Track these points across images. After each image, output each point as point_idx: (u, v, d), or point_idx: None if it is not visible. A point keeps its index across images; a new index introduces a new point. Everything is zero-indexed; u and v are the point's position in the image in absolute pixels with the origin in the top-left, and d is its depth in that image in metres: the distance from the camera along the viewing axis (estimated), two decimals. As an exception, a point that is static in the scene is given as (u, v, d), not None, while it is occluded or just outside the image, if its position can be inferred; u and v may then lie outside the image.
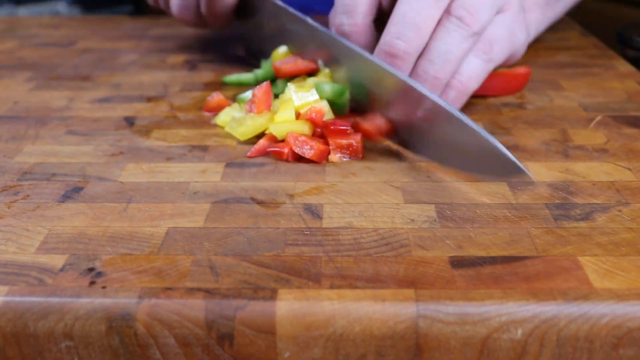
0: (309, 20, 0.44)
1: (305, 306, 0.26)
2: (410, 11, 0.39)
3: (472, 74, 0.41)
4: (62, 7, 0.80)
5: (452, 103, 0.41)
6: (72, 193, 0.34)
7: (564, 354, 0.26)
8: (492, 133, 0.40)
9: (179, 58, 0.57)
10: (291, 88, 0.40)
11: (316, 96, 0.39)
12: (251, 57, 0.55)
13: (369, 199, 0.33)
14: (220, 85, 0.50)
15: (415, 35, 0.39)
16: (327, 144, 0.38)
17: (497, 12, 0.42)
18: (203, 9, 0.51)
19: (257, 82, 0.47)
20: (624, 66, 0.53)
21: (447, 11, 0.40)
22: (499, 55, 0.42)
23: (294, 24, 0.46)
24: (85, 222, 0.31)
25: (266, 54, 0.49)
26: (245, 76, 0.50)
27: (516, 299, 0.26)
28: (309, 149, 0.37)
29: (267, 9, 0.49)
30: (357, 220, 0.31)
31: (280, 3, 0.48)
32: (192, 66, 0.55)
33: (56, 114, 0.45)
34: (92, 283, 0.27)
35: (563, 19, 0.66)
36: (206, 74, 0.53)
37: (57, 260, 0.29)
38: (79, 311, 0.26)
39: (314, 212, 0.32)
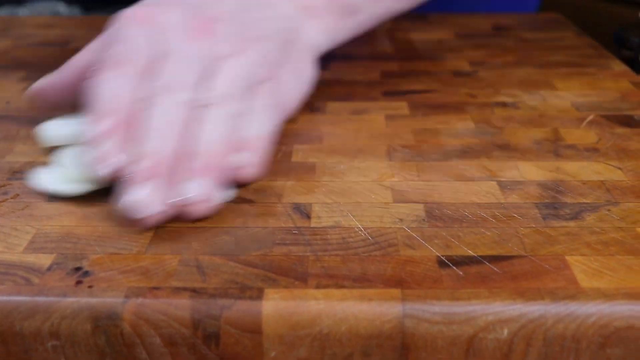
0: None
1: (292, 306, 0.26)
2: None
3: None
4: (62, 8, 0.80)
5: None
6: (61, 192, 0.34)
7: (551, 354, 0.26)
8: (484, 132, 0.40)
9: (173, 58, 0.57)
10: None
11: None
12: None
13: (358, 199, 0.33)
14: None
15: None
16: None
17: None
18: None
19: None
20: (619, 66, 0.53)
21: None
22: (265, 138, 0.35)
23: None
24: (74, 222, 0.31)
25: None
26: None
27: (503, 298, 0.26)
28: None
29: None
30: (345, 220, 0.31)
31: None
32: (186, 66, 0.55)
33: (49, 114, 0.45)
34: (78, 282, 0.27)
35: (558, 19, 0.66)
36: (200, 74, 0.53)
37: (45, 260, 0.29)
38: (66, 310, 0.26)
39: (302, 211, 0.32)
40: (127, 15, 0.37)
